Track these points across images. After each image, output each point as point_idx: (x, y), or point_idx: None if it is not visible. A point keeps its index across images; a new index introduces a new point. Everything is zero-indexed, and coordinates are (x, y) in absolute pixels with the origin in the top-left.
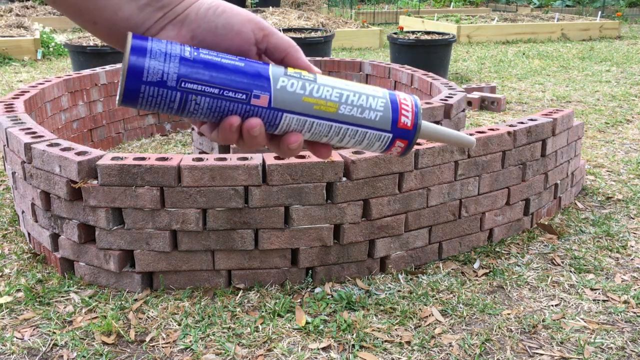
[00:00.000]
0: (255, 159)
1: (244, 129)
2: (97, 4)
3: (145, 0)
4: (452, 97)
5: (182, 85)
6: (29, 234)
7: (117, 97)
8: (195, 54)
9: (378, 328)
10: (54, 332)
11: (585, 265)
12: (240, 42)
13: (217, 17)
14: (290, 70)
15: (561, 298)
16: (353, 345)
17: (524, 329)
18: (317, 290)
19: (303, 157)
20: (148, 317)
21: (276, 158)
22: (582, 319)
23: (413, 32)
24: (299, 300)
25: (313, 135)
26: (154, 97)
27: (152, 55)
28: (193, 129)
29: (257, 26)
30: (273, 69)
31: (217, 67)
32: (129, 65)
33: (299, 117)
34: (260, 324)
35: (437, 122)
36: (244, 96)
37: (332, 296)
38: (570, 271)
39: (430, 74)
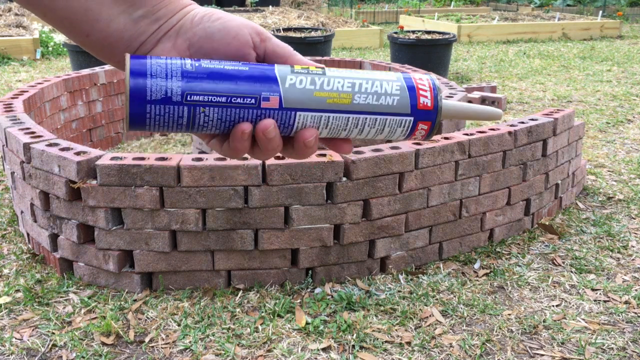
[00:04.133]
0: None
1: (258, 133)
2: (89, 15)
3: (141, 12)
4: (452, 97)
5: (188, 98)
6: (28, 234)
7: (125, 122)
8: (197, 64)
9: (378, 328)
10: (53, 333)
11: (586, 266)
12: (238, 45)
13: (212, 22)
14: (297, 68)
15: (562, 298)
16: (353, 346)
17: (525, 329)
18: (317, 290)
19: None
20: (147, 317)
21: (276, 158)
22: (583, 319)
23: (413, 32)
24: (298, 301)
25: (331, 131)
26: (161, 115)
27: (152, 73)
28: None
29: (254, 30)
30: (279, 68)
31: (221, 75)
32: (131, 87)
33: (314, 114)
34: (260, 324)
35: None
36: (253, 100)
37: (332, 296)
38: (571, 271)
39: (431, 73)
